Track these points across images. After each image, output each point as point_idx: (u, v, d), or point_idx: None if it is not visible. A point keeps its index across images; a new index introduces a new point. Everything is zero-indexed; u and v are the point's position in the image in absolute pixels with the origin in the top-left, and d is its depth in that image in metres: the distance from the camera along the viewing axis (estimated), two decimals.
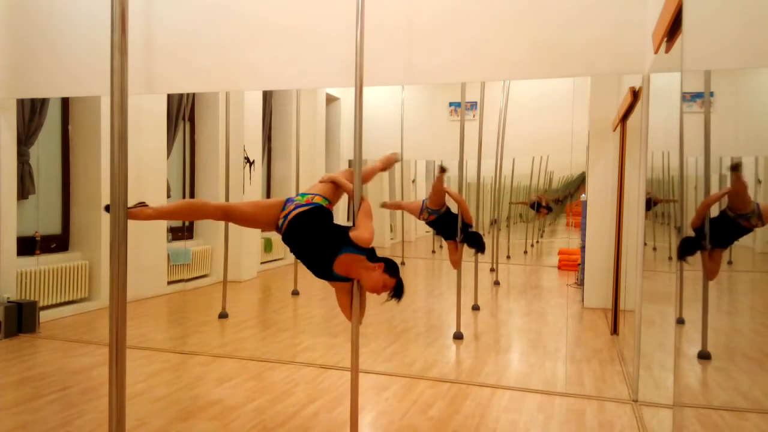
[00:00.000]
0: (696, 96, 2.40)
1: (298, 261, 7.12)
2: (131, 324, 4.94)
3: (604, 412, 3.32)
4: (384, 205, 6.37)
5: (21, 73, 4.52)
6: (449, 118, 9.45)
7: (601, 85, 6.10)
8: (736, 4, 2.31)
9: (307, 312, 6.15)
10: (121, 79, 2.30)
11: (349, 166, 11.54)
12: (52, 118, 5.62)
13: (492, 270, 8.69)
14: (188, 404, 3.35)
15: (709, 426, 2.70)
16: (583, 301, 6.36)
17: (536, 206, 12.43)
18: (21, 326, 4.80)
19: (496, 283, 7.95)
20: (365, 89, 2.86)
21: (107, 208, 2.36)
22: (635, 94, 4.26)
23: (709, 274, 2.40)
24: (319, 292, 7.01)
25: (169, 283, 6.78)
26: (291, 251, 2.89)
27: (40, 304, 5.14)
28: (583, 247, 6.55)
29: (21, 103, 5.04)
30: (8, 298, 4.88)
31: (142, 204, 2.55)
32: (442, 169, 5.36)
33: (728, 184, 2.48)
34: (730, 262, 2.49)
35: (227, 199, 5.84)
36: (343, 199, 3.50)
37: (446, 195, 5.49)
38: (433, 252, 11.78)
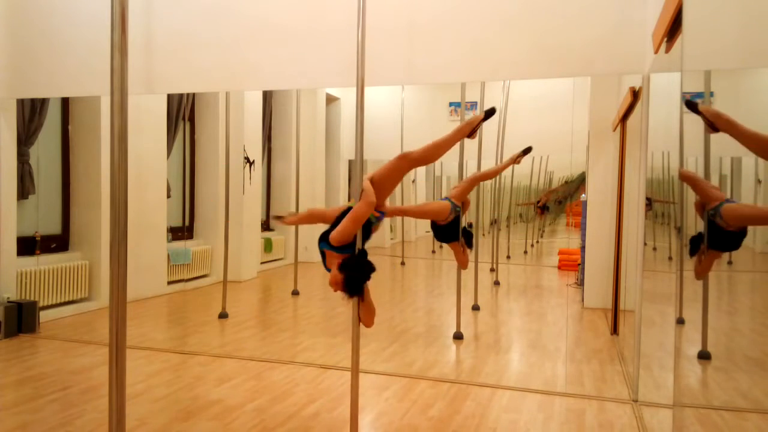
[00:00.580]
0: (696, 96, 2.39)
1: (298, 261, 7.17)
2: (131, 324, 4.94)
3: (604, 412, 3.32)
4: (395, 212, 4.79)
5: (21, 73, 4.53)
6: (449, 118, 9.45)
7: (601, 85, 6.10)
8: (736, 4, 2.31)
9: (307, 312, 6.15)
10: (121, 79, 2.30)
11: (349, 166, 11.46)
12: (52, 118, 5.62)
13: (492, 270, 8.69)
14: (188, 404, 3.35)
15: (709, 426, 2.70)
16: (583, 301, 6.36)
17: (544, 207, 12.38)
18: (21, 326, 4.80)
19: (496, 283, 7.95)
20: (365, 89, 2.86)
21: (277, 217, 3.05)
22: (635, 94, 4.26)
23: (696, 273, 2.39)
24: (319, 292, 7.01)
25: (169, 283, 6.78)
26: None
27: (40, 304, 5.15)
28: (583, 247, 6.55)
29: (21, 103, 5.04)
30: (8, 298, 4.88)
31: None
32: None
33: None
34: (730, 262, 2.49)
35: (227, 199, 5.84)
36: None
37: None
38: (433, 252, 11.78)
